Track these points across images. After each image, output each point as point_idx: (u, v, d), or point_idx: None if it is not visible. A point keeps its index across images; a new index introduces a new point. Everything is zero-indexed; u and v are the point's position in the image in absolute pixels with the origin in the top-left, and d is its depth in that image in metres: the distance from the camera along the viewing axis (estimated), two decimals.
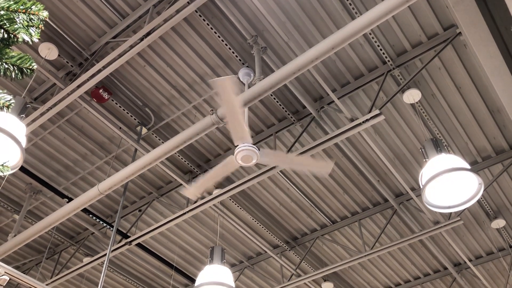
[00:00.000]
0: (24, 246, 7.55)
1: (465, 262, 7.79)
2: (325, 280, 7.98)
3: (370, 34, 4.95)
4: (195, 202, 6.05)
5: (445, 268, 8.02)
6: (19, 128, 3.98)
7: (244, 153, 4.05)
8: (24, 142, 3.90)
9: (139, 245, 7.33)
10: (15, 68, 1.19)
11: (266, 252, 7.69)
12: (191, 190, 4.58)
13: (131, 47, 4.68)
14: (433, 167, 4.36)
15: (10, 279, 4.31)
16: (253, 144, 4.09)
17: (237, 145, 4.04)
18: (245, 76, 5.08)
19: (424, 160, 4.68)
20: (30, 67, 1.28)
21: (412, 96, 5.38)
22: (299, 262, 7.43)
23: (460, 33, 4.88)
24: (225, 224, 7.19)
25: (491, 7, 4.35)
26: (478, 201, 6.75)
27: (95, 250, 7.72)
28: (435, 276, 8.14)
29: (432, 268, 8.05)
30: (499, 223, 6.92)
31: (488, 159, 6.23)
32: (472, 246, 7.57)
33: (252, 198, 6.84)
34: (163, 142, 5.93)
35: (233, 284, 5.34)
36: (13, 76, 1.20)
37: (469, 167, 4.28)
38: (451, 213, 6.38)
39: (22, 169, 6.18)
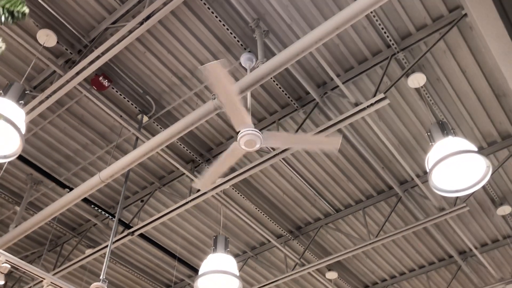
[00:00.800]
0: (25, 239, 7.50)
1: (471, 250, 7.73)
2: (329, 270, 7.92)
3: (374, 16, 4.86)
4: (198, 191, 5.98)
5: (450, 256, 7.96)
6: (18, 114, 3.90)
7: (247, 137, 3.97)
8: (23, 129, 3.83)
9: (141, 236, 7.27)
10: (5, 11, 1.09)
11: (269, 242, 7.64)
12: (201, 181, 4.51)
13: (130, 32, 4.58)
14: (440, 150, 4.29)
15: (12, 268, 4.25)
16: (255, 128, 4.01)
17: (239, 131, 3.96)
18: (247, 61, 5.00)
19: (431, 144, 4.61)
20: (22, 10, 1.18)
21: (417, 80, 5.29)
22: (302, 251, 7.37)
23: (466, 14, 4.78)
24: (228, 214, 7.13)
25: None
26: (484, 187, 6.68)
27: (97, 241, 7.66)
28: (440, 265, 8.08)
29: (437, 256, 7.99)
30: (505, 209, 6.85)
31: (494, 145, 6.15)
32: (478, 234, 7.50)
33: (254, 187, 6.77)
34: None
35: (237, 273, 5.28)
36: (3, 20, 1.11)
37: (476, 149, 4.21)
38: (456, 199, 6.31)
39: (22, 159, 6.12)
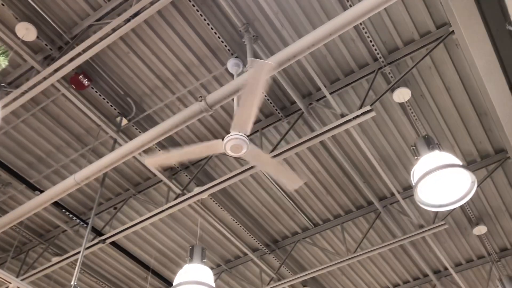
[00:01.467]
0: None
1: (446, 269, 7.73)
2: (304, 286, 7.78)
3: (363, 28, 4.85)
4: (175, 199, 5.78)
5: (425, 275, 7.94)
6: None
7: (237, 142, 3.84)
8: None
9: (113, 244, 7.00)
10: None
11: (245, 255, 7.46)
12: (152, 158, 4.24)
13: (114, 30, 4.42)
14: (426, 164, 4.26)
15: None
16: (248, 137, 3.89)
17: (231, 132, 3.83)
18: (233, 66, 4.90)
19: (415, 157, 4.58)
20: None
21: (402, 95, 5.29)
22: (278, 266, 7.22)
23: (453, 31, 4.82)
24: (204, 225, 6.94)
25: (484, 7, 4.30)
26: (461, 207, 6.71)
27: (65, 249, 7.33)
28: (414, 284, 8.05)
29: (412, 275, 7.96)
30: (481, 229, 6.89)
31: (473, 163, 6.20)
32: (453, 253, 7.51)
33: (233, 198, 6.62)
34: None
35: (213, 284, 5.11)
36: None
37: (461, 164, 4.20)
38: (435, 218, 6.31)
39: None
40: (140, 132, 5.69)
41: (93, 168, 4.73)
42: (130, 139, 5.74)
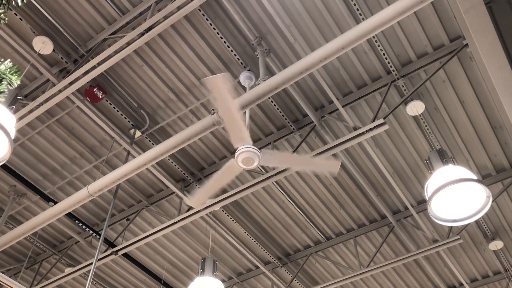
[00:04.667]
0: (2, 254, 7.18)
1: (461, 285, 7.59)
2: None
3: (376, 41, 4.85)
4: (188, 210, 5.79)
5: None
6: (9, 118, 3.74)
7: (245, 155, 3.86)
8: (13, 134, 3.66)
9: (125, 256, 7.01)
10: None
11: (257, 268, 7.42)
12: (194, 199, 4.37)
13: (129, 43, 4.48)
14: (440, 178, 4.21)
15: None
16: (253, 146, 3.90)
17: (237, 148, 3.85)
18: (246, 79, 4.92)
19: (429, 171, 4.54)
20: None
21: (415, 108, 5.26)
22: (290, 280, 7.17)
23: (466, 44, 4.80)
24: (216, 237, 6.93)
25: (499, 20, 4.28)
26: (477, 221, 6.61)
27: (78, 260, 7.37)
28: None
29: None
30: (497, 244, 6.77)
31: (489, 177, 6.11)
32: (468, 268, 7.39)
33: (245, 210, 6.61)
34: None
35: None
36: None
37: (476, 178, 4.14)
38: (449, 232, 6.22)
39: (6, 169, 5.89)
40: (153, 144, 5.73)
41: (106, 180, 4.77)
42: (144, 151, 5.80)
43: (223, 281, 7.67)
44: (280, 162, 4.17)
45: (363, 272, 6.46)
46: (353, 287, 7.79)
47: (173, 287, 7.74)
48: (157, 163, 5.91)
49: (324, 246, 7.04)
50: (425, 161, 4.78)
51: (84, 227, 6.45)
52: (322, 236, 6.95)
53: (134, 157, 5.47)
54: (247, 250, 6.79)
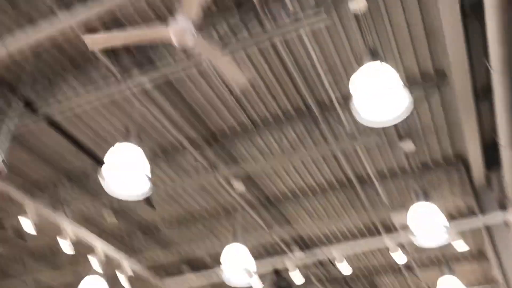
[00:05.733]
0: None
1: (369, 177, 8.19)
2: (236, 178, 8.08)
3: None
4: (116, 83, 5.62)
5: (350, 182, 8.42)
6: None
7: (182, 30, 3.70)
8: None
9: (49, 122, 6.82)
10: None
11: (183, 147, 7.56)
12: (93, 37, 4.04)
13: None
14: (367, 75, 4.36)
15: None
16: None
17: (177, 18, 3.66)
18: None
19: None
20: None
21: (358, 3, 5.22)
22: (214, 159, 7.41)
23: None
24: (145, 113, 6.86)
25: None
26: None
27: None
28: (338, 187, 8.54)
29: (338, 180, 8.41)
30: (409, 146, 7.28)
31: (414, 83, 6.39)
32: (378, 163, 7.96)
33: (175, 89, 6.54)
34: None
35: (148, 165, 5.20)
36: None
37: (401, 82, 4.32)
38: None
39: None
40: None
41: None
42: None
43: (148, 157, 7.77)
44: (204, 50, 4.07)
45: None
46: (273, 172, 8.21)
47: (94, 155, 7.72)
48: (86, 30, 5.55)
49: (250, 131, 7.26)
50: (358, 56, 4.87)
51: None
52: (249, 121, 7.10)
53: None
54: (174, 127, 6.85)
